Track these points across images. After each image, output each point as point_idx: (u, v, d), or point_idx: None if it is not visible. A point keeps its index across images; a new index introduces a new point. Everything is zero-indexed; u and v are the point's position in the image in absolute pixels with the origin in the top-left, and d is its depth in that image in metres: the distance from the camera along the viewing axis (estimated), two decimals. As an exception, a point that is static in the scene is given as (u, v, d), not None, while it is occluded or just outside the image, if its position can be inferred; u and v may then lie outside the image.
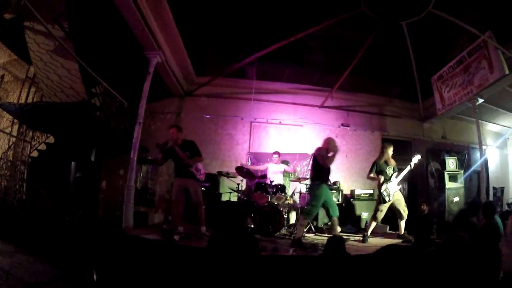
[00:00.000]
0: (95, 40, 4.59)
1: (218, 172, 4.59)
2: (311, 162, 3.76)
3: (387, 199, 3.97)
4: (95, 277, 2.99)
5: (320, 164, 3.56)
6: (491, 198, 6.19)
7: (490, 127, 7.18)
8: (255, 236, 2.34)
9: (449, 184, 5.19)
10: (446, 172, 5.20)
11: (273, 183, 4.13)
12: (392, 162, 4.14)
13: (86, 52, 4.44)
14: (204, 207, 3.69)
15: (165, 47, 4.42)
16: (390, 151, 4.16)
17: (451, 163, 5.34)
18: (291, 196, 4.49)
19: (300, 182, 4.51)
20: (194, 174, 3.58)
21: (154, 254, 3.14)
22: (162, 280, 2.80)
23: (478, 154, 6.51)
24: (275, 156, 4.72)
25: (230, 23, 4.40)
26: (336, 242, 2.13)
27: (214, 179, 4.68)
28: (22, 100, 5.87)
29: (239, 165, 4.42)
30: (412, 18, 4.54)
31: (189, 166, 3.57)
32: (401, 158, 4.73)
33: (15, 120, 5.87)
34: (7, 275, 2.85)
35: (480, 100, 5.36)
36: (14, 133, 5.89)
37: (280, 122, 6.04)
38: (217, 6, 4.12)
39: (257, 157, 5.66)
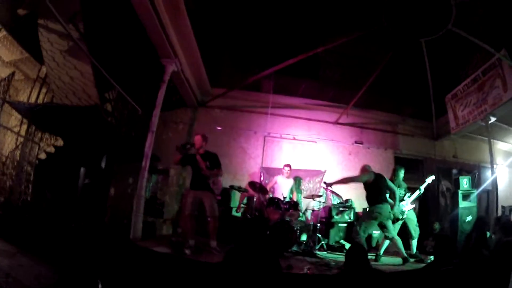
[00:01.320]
0: (110, 43, 4.54)
1: (230, 186, 4.52)
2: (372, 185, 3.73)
3: (400, 217, 3.95)
4: (100, 287, 2.92)
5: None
6: (499, 217, 6.12)
7: (500, 146, 7.13)
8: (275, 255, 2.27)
9: (462, 204, 5.13)
10: (460, 192, 5.13)
11: (286, 199, 4.05)
12: (403, 184, 4.18)
13: (100, 55, 4.39)
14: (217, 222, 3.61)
15: (181, 56, 4.37)
16: (401, 173, 4.20)
17: (464, 182, 5.29)
18: (304, 213, 4.42)
19: (314, 199, 4.44)
20: (211, 187, 3.50)
21: (164, 268, 3.07)
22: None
23: (487, 173, 6.49)
24: (287, 168, 4.62)
25: (248, 36, 4.37)
26: (358, 252, 2.07)
27: (226, 193, 4.60)
28: (32, 100, 5.81)
29: (251, 180, 4.34)
30: (433, 36, 4.52)
31: (207, 178, 3.48)
32: (413, 177, 4.69)
33: (24, 120, 5.81)
34: (6, 275, 2.78)
35: (493, 119, 5.34)
36: (23, 133, 5.83)
37: (294, 138, 5.97)
38: (236, 17, 4.09)
39: (270, 172, 5.56)
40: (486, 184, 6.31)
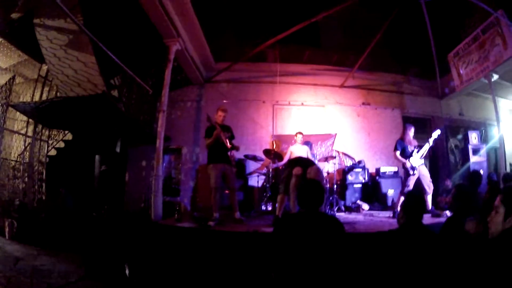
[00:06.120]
0: (111, 31, 4.53)
1: (244, 155, 4.56)
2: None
3: (411, 172, 4.00)
4: (127, 271, 2.94)
5: None
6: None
7: (504, 104, 7.16)
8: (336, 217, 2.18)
9: (473, 158, 5.19)
10: (470, 146, 5.19)
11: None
12: (414, 142, 4.20)
13: (103, 42, 4.38)
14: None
15: (184, 34, 4.37)
16: (411, 132, 4.22)
17: (474, 137, 5.34)
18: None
19: (328, 162, 4.48)
20: (231, 160, 3.59)
21: (191, 242, 3.09)
22: (200, 267, 2.74)
23: (493, 130, 6.55)
24: (300, 136, 4.56)
25: (248, 7, 4.35)
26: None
27: (240, 164, 4.64)
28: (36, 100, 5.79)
29: (264, 148, 4.36)
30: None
31: (228, 150, 3.58)
32: (421, 136, 4.73)
33: (30, 121, 5.81)
34: (31, 279, 2.78)
35: (495, 76, 5.37)
36: (30, 133, 5.83)
37: (302, 104, 6.02)
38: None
39: (282, 139, 5.61)
40: (492, 142, 6.38)
